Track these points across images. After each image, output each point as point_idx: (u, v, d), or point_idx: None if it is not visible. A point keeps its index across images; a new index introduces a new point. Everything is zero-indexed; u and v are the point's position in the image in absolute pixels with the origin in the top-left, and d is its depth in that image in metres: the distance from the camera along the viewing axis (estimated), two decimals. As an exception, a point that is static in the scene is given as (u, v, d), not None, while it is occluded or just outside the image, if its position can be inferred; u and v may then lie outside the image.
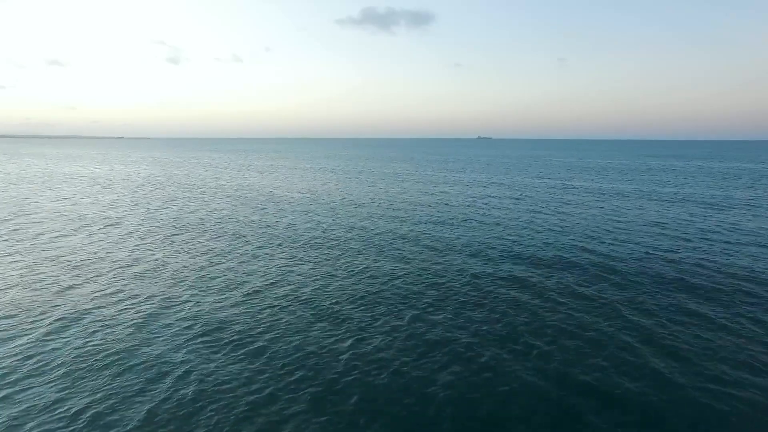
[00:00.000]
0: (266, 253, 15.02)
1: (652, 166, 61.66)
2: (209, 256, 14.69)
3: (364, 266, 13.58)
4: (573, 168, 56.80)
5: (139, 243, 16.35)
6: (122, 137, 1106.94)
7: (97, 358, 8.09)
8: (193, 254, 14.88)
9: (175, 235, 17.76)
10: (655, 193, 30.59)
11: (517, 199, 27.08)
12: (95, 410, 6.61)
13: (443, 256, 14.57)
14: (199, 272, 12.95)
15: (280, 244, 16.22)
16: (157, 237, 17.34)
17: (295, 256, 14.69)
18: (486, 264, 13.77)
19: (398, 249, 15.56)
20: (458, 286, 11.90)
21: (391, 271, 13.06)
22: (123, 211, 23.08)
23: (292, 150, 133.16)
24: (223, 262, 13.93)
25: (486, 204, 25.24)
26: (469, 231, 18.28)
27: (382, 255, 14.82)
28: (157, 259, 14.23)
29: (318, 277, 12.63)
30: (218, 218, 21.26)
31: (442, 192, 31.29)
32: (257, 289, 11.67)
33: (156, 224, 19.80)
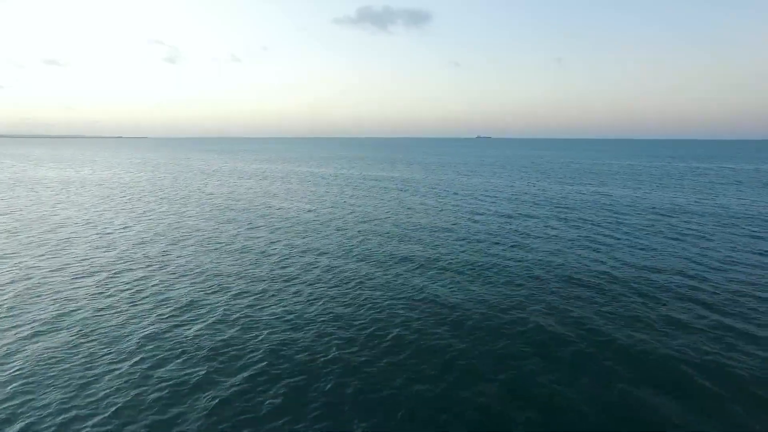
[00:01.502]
0: (216, 317, 9.63)
1: (680, 168, 56.37)
2: (121, 319, 9.27)
3: (374, 359, 8.23)
4: (597, 172, 51.49)
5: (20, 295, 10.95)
6: (120, 137, 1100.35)
7: None
8: (84, 336, 9.40)
9: (88, 276, 12.36)
10: (723, 208, 25.25)
11: (562, 219, 21.40)
12: None
13: (495, 339, 9.21)
14: (94, 352, 7.58)
15: (239, 297, 10.86)
16: (53, 283, 11.93)
17: (258, 329, 9.31)
18: (575, 368, 8.41)
19: (429, 322, 10.16)
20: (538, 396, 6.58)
21: (422, 375, 7.71)
22: (42, 234, 17.67)
23: (290, 150, 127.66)
24: (136, 330, 8.61)
25: (527, 227, 19.61)
26: (527, 282, 12.80)
27: (399, 327, 9.46)
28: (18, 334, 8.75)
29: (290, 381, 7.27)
30: (171, 243, 15.88)
31: (462, 206, 25.95)
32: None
33: (73, 257, 14.42)
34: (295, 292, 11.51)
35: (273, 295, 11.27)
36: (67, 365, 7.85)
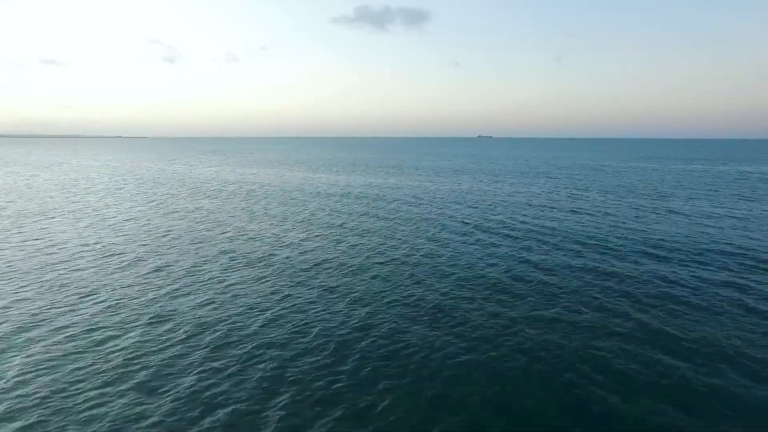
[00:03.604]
0: None
1: (727, 171, 48.61)
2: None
3: None
4: (642, 179, 43.76)
5: None
6: (120, 137, 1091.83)
7: None
8: None
9: None
10: None
11: (688, 286, 13.66)
12: None
13: None
14: None
15: None
16: None
17: None
18: None
19: None
20: None
21: None
22: None
23: (289, 151, 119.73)
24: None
25: (644, 285, 12.15)
26: None
27: None
28: None
29: None
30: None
31: (511, 251, 18.34)
32: None
33: None
34: None
35: None
36: None
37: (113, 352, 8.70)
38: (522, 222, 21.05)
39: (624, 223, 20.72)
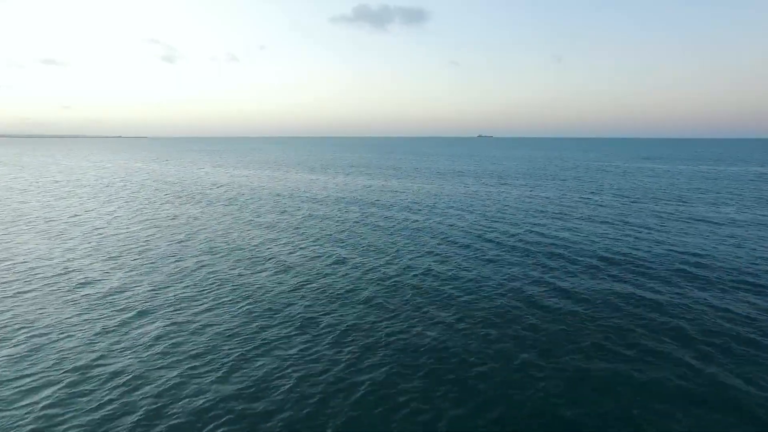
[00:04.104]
0: None
1: (740, 173, 46.63)
2: None
3: None
4: (654, 181, 41.85)
5: None
6: (120, 137, 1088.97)
7: None
8: None
9: None
10: None
11: None
12: None
13: None
14: None
15: None
16: None
17: None
18: None
19: None
20: None
21: None
22: None
23: (287, 152, 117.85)
24: None
25: None
26: None
27: None
28: None
29: None
30: None
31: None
32: None
33: None
34: None
35: None
36: None
37: (30, 413, 6.82)
38: (531, 231, 19.16)
39: (646, 232, 18.81)
